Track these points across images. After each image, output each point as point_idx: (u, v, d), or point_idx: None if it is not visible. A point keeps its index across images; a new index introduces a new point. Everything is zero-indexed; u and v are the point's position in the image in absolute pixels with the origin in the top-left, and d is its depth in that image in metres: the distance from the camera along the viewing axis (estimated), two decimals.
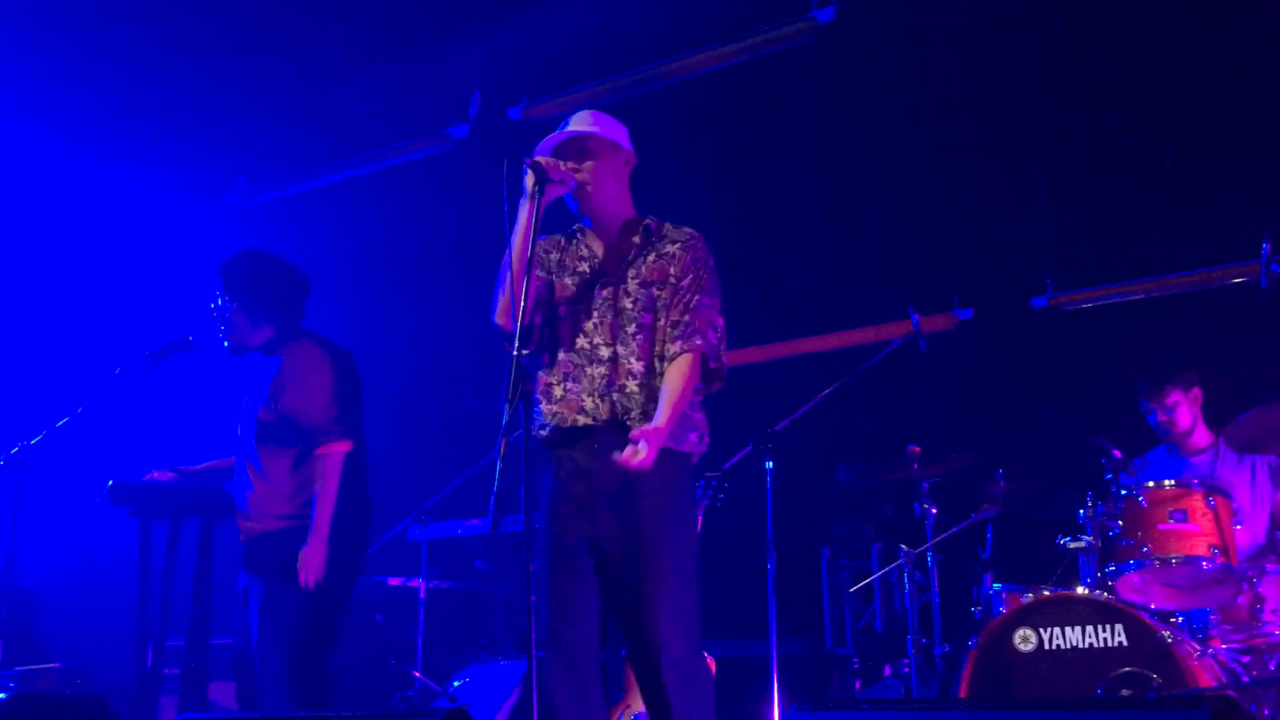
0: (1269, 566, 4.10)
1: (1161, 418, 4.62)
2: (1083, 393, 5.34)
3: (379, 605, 5.84)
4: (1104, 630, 3.83)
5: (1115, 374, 5.08)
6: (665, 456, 3.06)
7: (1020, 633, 3.95)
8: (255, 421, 3.83)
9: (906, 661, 4.73)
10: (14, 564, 4.10)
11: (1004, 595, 4.26)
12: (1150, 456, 4.82)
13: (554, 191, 3.12)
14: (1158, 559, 3.96)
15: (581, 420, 3.09)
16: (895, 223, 5.94)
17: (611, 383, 3.09)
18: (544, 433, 3.14)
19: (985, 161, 5.76)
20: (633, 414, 3.07)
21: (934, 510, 4.73)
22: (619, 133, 3.28)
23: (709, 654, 4.36)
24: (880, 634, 5.73)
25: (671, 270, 3.17)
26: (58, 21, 6.24)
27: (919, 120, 5.86)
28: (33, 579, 5.47)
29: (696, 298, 3.15)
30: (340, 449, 3.72)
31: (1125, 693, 3.74)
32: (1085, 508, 4.19)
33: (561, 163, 3.13)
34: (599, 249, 3.26)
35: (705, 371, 3.17)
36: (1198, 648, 3.87)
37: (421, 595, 5.45)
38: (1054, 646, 3.89)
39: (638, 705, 4.12)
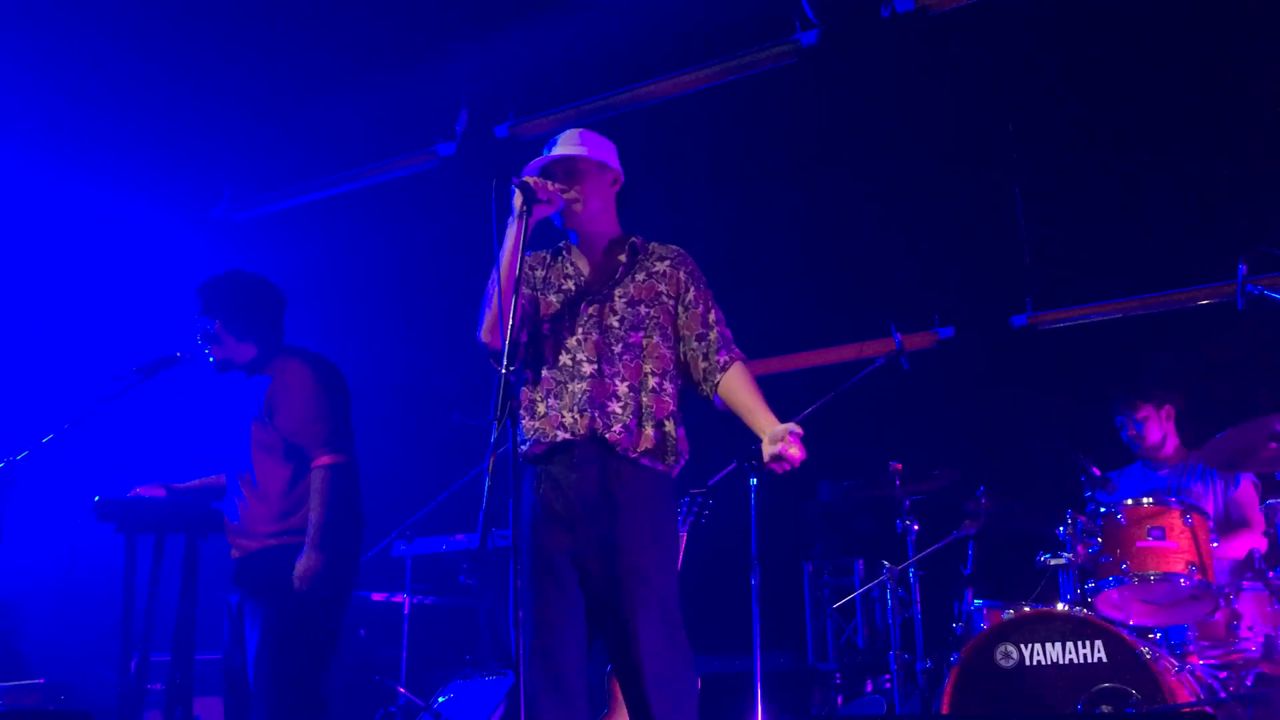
0: (1245, 584, 4.16)
1: (1131, 431, 4.80)
2: (1061, 410, 5.40)
3: (363, 621, 5.84)
4: (1084, 646, 3.88)
5: (1093, 392, 5.15)
6: (643, 473, 3.10)
7: (1001, 648, 3.99)
8: (249, 439, 3.85)
9: (888, 677, 4.77)
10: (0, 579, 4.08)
11: (985, 611, 4.30)
12: (1127, 470, 4.90)
13: (541, 211, 3.15)
14: (1136, 576, 4.01)
15: (561, 436, 3.11)
16: (878, 243, 6.00)
17: (593, 399, 3.11)
18: (525, 448, 3.16)
19: (966, 183, 5.84)
20: (613, 429, 3.09)
21: (916, 527, 4.77)
22: (607, 152, 3.31)
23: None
24: (862, 649, 5.77)
25: (663, 288, 3.21)
26: (40, 36, 6.24)
27: (901, 142, 5.93)
28: (17, 594, 5.45)
29: (710, 312, 3.24)
30: (330, 460, 3.74)
31: (1105, 708, 3.78)
32: (1065, 525, 4.25)
33: (549, 183, 3.17)
34: (585, 267, 3.29)
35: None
36: (1175, 664, 3.92)
37: (405, 611, 5.45)
38: (1035, 662, 3.93)
39: (622, 719, 4.14)
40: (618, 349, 3.15)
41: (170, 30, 6.35)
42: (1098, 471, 4.38)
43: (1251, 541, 4.47)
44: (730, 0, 5.86)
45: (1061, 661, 3.89)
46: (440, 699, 4.94)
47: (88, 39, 6.29)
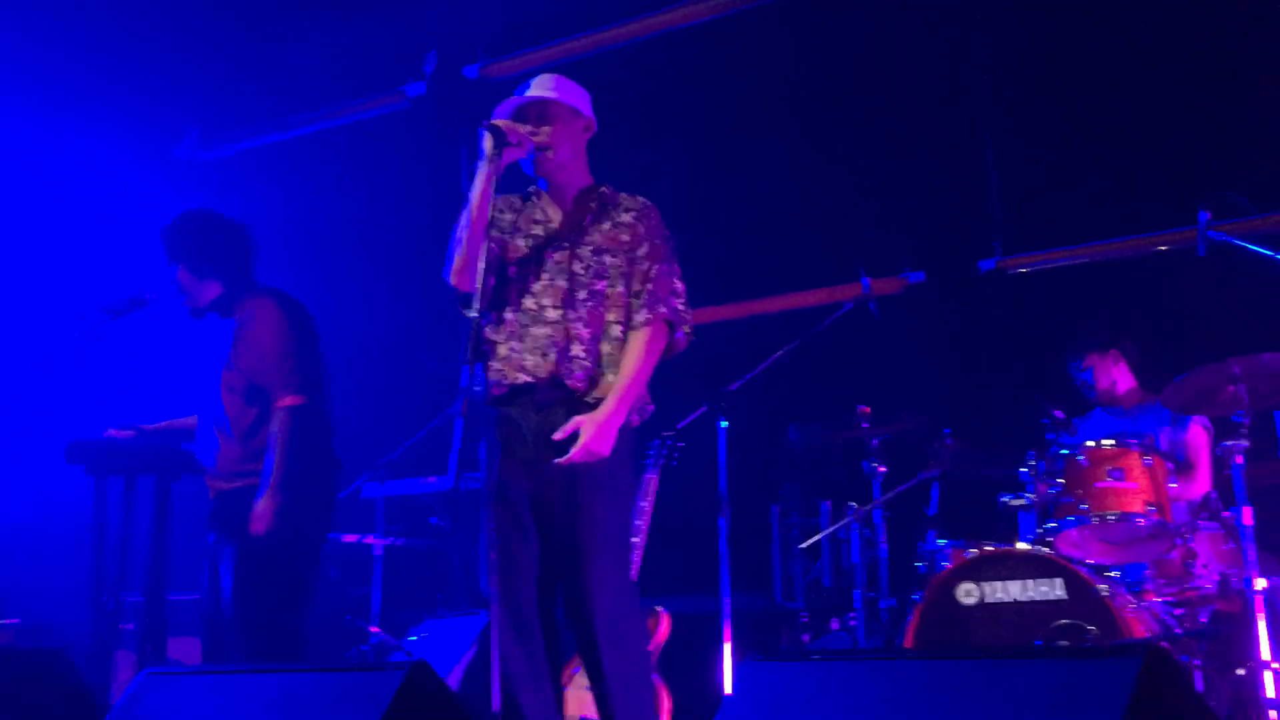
0: (1201, 524, 4.25)
1: (1085, 379, 4.93)
2: (1028, 354, 5.47)
3: (334, 562, 5.86)
4: (1043, 584, 3.97)
5: (1060, 336, 5.21)
6: None
7: (963, 587, 4.08)
8: (219, 381, 3.84)
9: (853, 615, 4.86)
10: None
11: (948, 551, 4.38)
12: (1089, 415, 4.98)
13: (511, 155, 3.14)
14: (1096, 516, 4.10)
15: (522, 378, 3.13)
16: (847, 187, 6.00)
17: (555, 344, 3.13)
18: (486, 390, 3.19)
19: (935, 127, 5.84)
20: (574, 374, 3.11)
21: (882, 469, 4.84)
22: (580, 99, 3.30)
23: (664, 609, 4.48)
24: (828, 589, 5.86)
25: (625, 238, 3.21)
26: None
27: (871, 87, 5.92)
28: None
29: (655, 267, 3.20)
30: (290, 402, 3.74)
31: (1063, 644, 3.88)
32: (1027, 466, 4.32)
33: (520, 126, 3.16)
34: (554, 213, 3.29)
35: (671, 338, 3.22)
36: (1133, 601, 4.02)
37: (377, 552, 5.48)
38: (995, 600, 4.02)
39: None
40: (582, 295, 3.16)
41: None
42: (1060, 415, 4.45)
43: (1200, 485, 4.58)
44: None
45: (1022, 599, 3.99)
46: (412, 638, 4.99)
47: None
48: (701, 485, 4.47)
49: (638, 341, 3.15)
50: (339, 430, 3.98)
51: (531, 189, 3.36)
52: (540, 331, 3.15)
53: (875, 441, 4.86)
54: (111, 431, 4.03)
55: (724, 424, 4.34)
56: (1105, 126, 5.48)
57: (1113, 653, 2.00)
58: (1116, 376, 4.91)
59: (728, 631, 4.15)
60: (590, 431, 3.04)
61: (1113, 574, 4.23)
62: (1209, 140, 5.23)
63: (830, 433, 5.15)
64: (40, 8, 6.26)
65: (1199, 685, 3.90)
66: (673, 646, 4.52)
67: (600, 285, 3.18)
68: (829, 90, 6.02)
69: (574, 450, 3.03)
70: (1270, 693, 3.64)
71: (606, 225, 3.24)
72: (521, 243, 3.25)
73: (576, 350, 3.13)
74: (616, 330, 3.18)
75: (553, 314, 3.16)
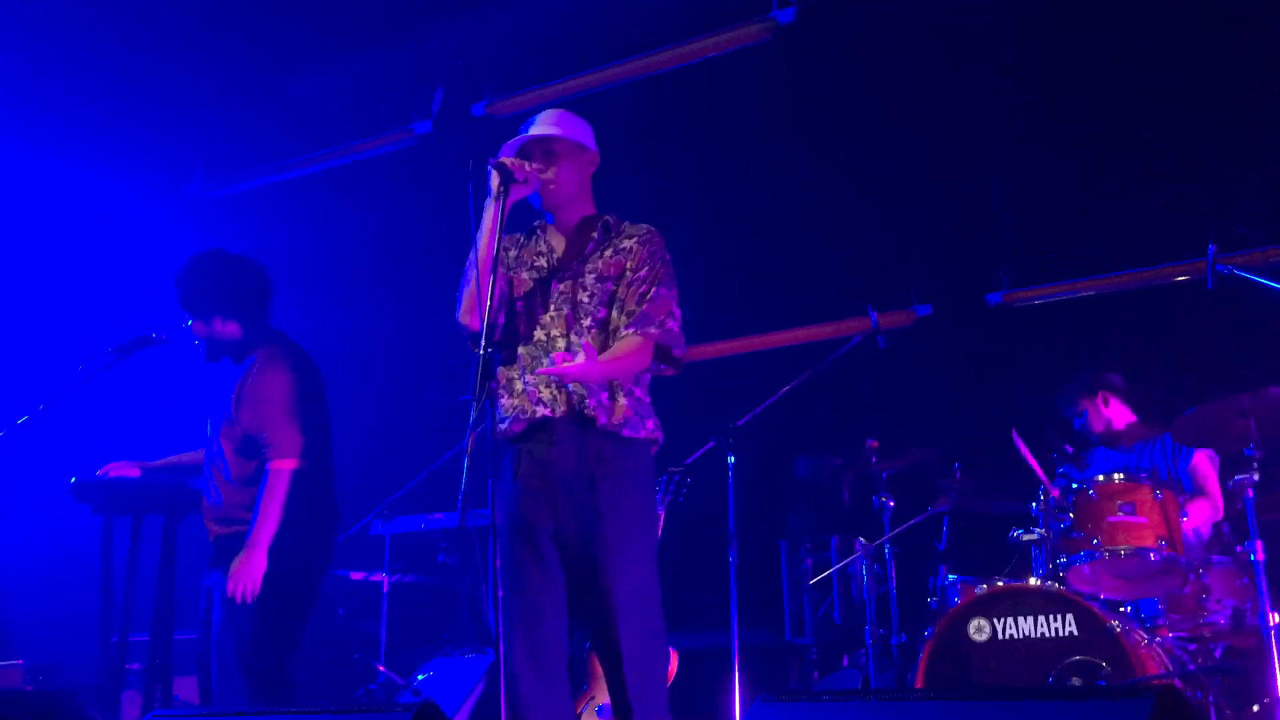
0: (1214, 558, 4.22)
1: (1081, 424, 4.91)
2: (1036, 387, 5.45)
3: (341, 600, 5.85)
4: (1055, 620, 3.94)
5: (1067, 369, 5.20)
6: (623, 446, 3.12)
7: (975, 623, 4.05)
8: (219, 429, 3.84)
9: (864, 651, 4.82)
10: None
11: (959, 586, 4.36)
12: (1094, 453, 4.96)
13: (519, 192, 3.16)
14: (1107, 550, 4.07)
15: (541, 412, 3.13)
16: (855, 221, 6.02)
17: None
18: (504, 426, 3.18)
19: (942, 161, 5.85)
20: (589, 403, 3.11)
21: (891, 503, 4.82)
22: (583, 133, 3.33)
23: (671, 646, 4.45)
24: (838, 625, 5.82)
25: (628, 264, 3.22)
26: (8, 10, 6.15)
27: (878, 120, 5.94)
28: None
29: (653, 290, 3.19)
30: (286, 465, 3.71)
31: (1076, 681, 3.84)
32: (1038, 501, 4.30)
33: (526, 163, 3.17)
34: (558, 245, 3.31)
35: (665, 359, 3.20)
36: (1145, 637, 3.98)
37: (384, 590, 5.46)
38: (1007, 636, 3.99)
39: (602, 697, 4.18)
40: (586, 323, 3.17)
41: (142, 3, 6.28)
42: (1070, 449, 4.44)
43: (1208, 511, 4.54)
44: None
45: (1034, 635, 3.96)
46: (420, 676, 4.96)
47: (56, 12, 6.20)
48: (710, 520, 4.45)
49: (620, 345, 3.12)
50: (346, 467, 3.97)
51: (537, 223, 3.38)
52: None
53: (884, 475, 4.84)
54: (112, 466, 4.01)
55: (732, 459, 4.33)
56: (1112, 159, 5.49)
57: (1125, 692, 1.99)
58: (1110, 416, 4.88)
59: (736, 668, 4.12)
60: (587, 356, 2.96)
61: (1125, 609, 4.20)
62: (1217, 172, 5.23)
63: (839, 467, 5.13)
64: (50, 43, 6.31)
65: None
66: (681, 683, 4.48)
67: (604, 313, 3.19)
68: (835, 125, 6.05)
69: (571, 365, 2.95)
70: None
71: (609, 252, 3.25)
72: (526, 276, 3.27)
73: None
74: None
75: (561, 343, 3.16)
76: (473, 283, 3.14)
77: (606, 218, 3.31)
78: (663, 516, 4.57)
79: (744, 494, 4.33)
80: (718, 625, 4.35)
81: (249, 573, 3.63)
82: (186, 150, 7.23)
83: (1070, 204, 5.60)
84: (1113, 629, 3.85)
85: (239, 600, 3.61)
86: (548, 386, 3.13)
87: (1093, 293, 5.62)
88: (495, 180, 3.12)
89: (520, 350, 3.20)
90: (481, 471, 3.11)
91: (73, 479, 3.93)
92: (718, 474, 4.35)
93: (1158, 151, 5.37)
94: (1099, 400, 4.87)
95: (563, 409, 3.12)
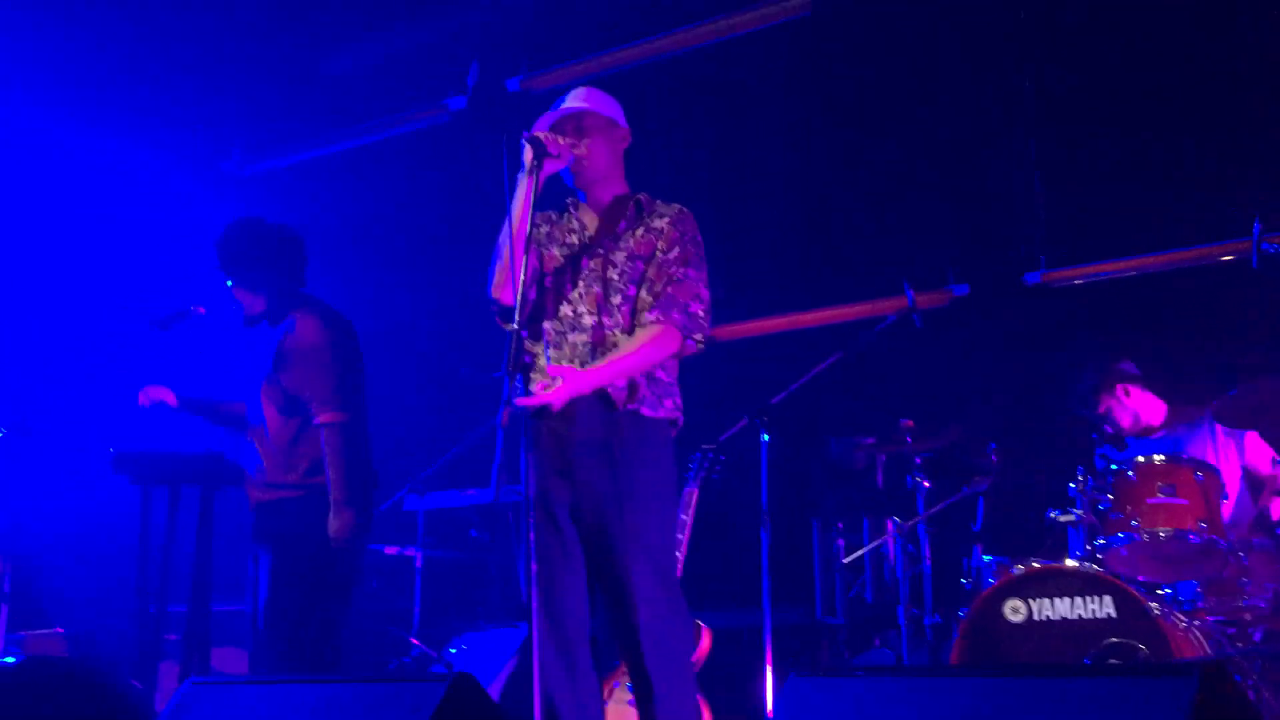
0: (1255, 540, 4.17)
1: (1108, 428, 4.73)
2: (1074, 368, 5.39)
3: (374, 573, 5.89)
4: (1092, 602, 3.90)
5: (1106, 349, 5.13)
6: (642, 425, 3.11)
7: (1010, 604, 4.01)
8: (260, 392, 3.87)
9: (896, 631, 4.80)
10: (18, 531, 4.12)
11: (994, 567, 4.32)
12: (1128, 446, 4.88)
13: (552, 166, 3.15)
14: (1146, 532, 4.02)
15: None
16: (890, 199, 5.96)
17: (594, 351, 3.13)
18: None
19: (979, 138, 5.78)
20: (616, 382, 3.10)
21: (926, 483, 4.78)
22: (615, 110, 3.33)
23: (705, 624, 4.45)
24: (870, 604, 5.80)
25: (659, 244, 3.21)
26: None
27: (914, 97, 5.88)
28: (35, 545, 5.51)
29: (681, 270, 3.18)
30: (331, 419, 3.75)
31: (1113, 663, 3.81)
32: (1076, 481, 4.25)
33: (559, 137, 3.17)
34: (590, 222, 3.30)
35: (682, 344, 3.18)
36: (1184, 619, 3.94)
37: (418, 564, 5.49)
38: (1043, 617, 3.96)
39: None
40: (616, 300, 3.17)
41: None
42: (1110, 429, 4.38)
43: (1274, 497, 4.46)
44: None
45: (1070, 617, 3.92)
46: (452, 650, 4.99)
47: None
48: (742, 499, 4.43)
49: (642, 334, 3.12)
50: (380, 442, 4.00)
51: (569, 200, 3.37)
52: (578, 338, 3.16)
53: (919, 456, 4.80)
54: (151, 389, 4.01)
55: (766, 437, 4.31)
56: (1153, 135, 5.40)
57: (1169, 671, 1.96)
58: (1136, 408, 4.72)
59: (769, 647, 4.11)
60: (565, 380, 2.99)
61: (1164, 592, 4.15)
62: (1262, 149, 5.13)
63: (873, 446, 5.10)
64: (87, 20, 6.35)
65: None
66: (713, 661, 4.48)
67: (633, 290, 3.18)
68: (872, 101, 5.99)
69: (549, 393, 2.97)
70: None
71: (640, 231, 3.24)
72: (557, 252, 3.27)
73: (614, 355, 3.12)
74: None
75: (589, 320, 3.16)
76: (504, 257, 3.14)
77: (639, 196, 3.30)
78: (696, 495, 4.56)
79: (777, 473, 4.31)
80: (750, 604, 4.34)
81: (342, 527, 3.68)
82: (225, 127, 7.27)
83: (1111, 182, 5.51)
84: (1151, 611, 3.81)
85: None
86: (571, 361, 3.13)
87: (1133, 273, 5.53)
88: (529, 154, 3.11)
89: (546, 325, 3.20)
90: (515, 447, 3.12)
91: (111, 450, 3.97)
92: (751, 452, 4.33)
93: (1201, 128, 5.28)
94: (1119, 393, 4.70)
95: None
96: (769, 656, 4.10)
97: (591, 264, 3.21)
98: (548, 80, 6.29)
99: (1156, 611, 3.82)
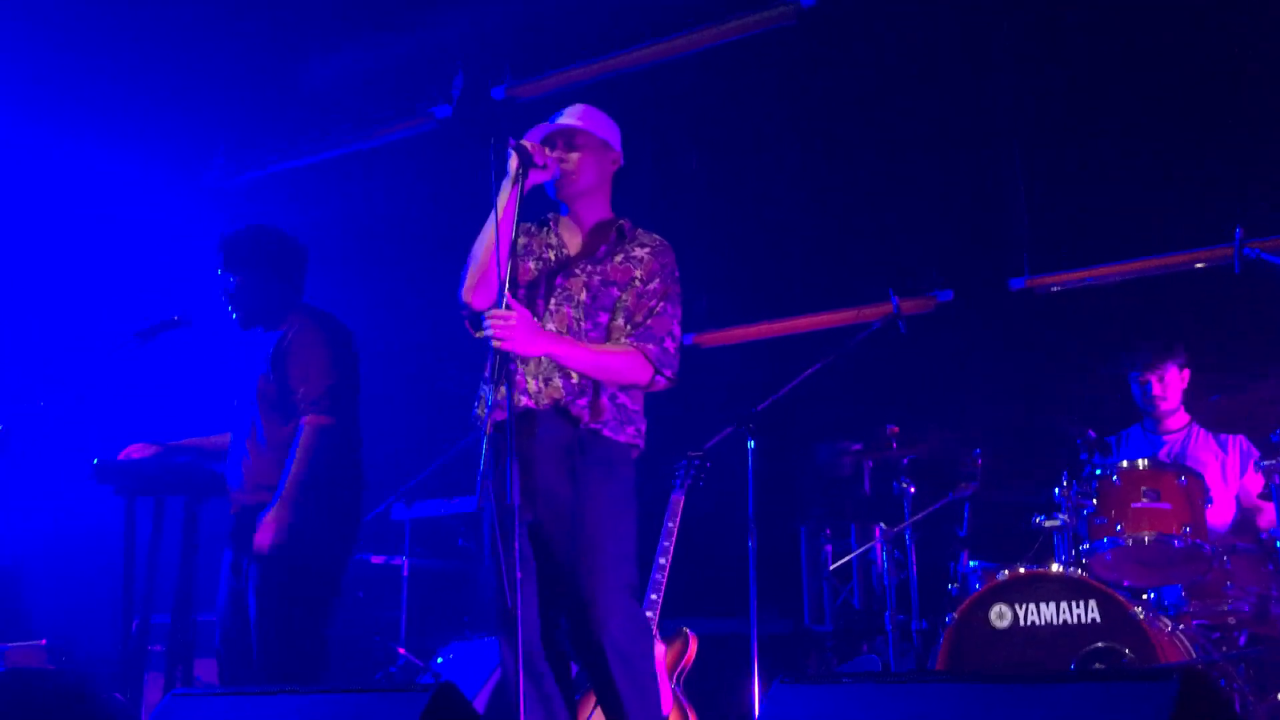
0: (1239, 545, 4.18)
1: (1156, 390, 4.68)
2: (1059, 373, 5.41)
3: (361, 583, 5.87)
4: (1077, 607, 3.91)
5: (1090, 354, 5.15)
6: (604, 444, 3.11)
7: (996, 609, 4.02)
8: (255, 393, 3.86)
9: (884, 638, 4.80)
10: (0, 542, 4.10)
11: (980, 572, 4.33)
12: (1126, 434, 4.91)
13: (537, 177, 3.13)
14: (1131, 537, 4.04)
15: (522, 402, 3.09)
16: (876, 206, 5.98)
17: (557, 369, 3.10)
18: (490, 414, 3.14)
19: (964, 145, 5.81)
20: (577, 402, 3.09)
21: (912, 489, 4.79)
22: (610, 132, 3.31)
23: (692, 632, 4.45)
24: (858, 611, 5.81)
25: (637, 273, 3.20)
26: None
27: (899, 103, 5.90)
28: (18, 556, 5.48)
29: (660, 305, 3.17)
30: (318, 422, 3.74)
31: (1098, 667, 3.81)
32: (1060, 487, 4.27)
33: (546, 149, 3.16)
34: (569, 240, 3.28)
35: (651, 378, 3.16)
36: (1169, 624, 3.95)
37: (404, 574, 5.48)
38: (1029, 622, 3.96)
39: None
40: (585, 325, 3.15)
41: None
42: (1094, 434, 4.39)
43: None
44: None
45: (1055, 622, 3.93)
46: (439, 659, 4.98)
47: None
48: (729, 506, 4.43)
49: (616, 345, 3.12)
50: (367, 451, 3.98)
51: (550, 215, 3.35)
52: (544, 356, 3.13)
53: (905, 461, 4.81)
54: (133, 448, 4.03)
55: (752, 444, 4.31)
56: (1136, 141, 5.43)
57: (1150, 675, 1.96)
58: (1171, 393, 4.69)
59: (755, 654, 4.11)
60: (519, 320, 2.92)
61: (1148, 596, 4.17)
62: (1243, 155, 5.17)
63: (859, 453, 5.11)
64: (67, 28, 6.32)
65: None
66: (700, 669, 4.48)
67: (603, 317, 3.17)
68: (856, 108, 6.01)
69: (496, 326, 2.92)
70: None
71: (619, 258, 3.22)
72: (533, 264, 3.24)
73: (575, 377, 3.11)
74: None
75: None
76: (480, 261, 3.12)
77: (622, 222, 3.28)
78: (682, 502, 4.56)
79: (763, 480, 4.32)
80: (737, 611, 4.34)
81: (277, 524, 3.63)
82: (207, 136, 7.25)
83: (1094, 188, 5.55)
84: (1136, 616, 3.82)
85: (266, 551, 3.61)
86: (534, 378, 3.12)
87: (1117, 278, 5.56)
88: (514, 162, 3.09)
89: None
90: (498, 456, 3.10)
91: (95, 460, 3.96)
92: (737, 459, 4.33)
93: (1183, 134, 5.31)
94: (1174, 367, 4.67)
95: (546, 402, 3.10)
96: (755, 664, 4.10)
97: (566, 283, 3.19)
98: (533, 89, 6.30)
99: (1141, 616, 3.83)
